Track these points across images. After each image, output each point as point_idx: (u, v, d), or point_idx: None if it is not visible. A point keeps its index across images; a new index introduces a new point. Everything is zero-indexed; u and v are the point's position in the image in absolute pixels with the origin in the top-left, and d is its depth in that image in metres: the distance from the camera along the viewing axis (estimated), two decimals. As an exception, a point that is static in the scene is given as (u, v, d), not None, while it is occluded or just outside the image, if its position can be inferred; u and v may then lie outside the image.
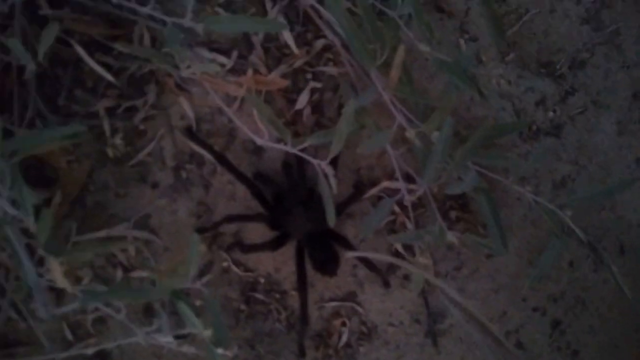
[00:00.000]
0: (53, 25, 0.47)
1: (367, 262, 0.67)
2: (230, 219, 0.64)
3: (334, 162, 0.58)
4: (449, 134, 0.58)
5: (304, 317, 0.65)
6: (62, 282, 0.46)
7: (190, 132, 0.64)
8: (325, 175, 0.56)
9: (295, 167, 0.65)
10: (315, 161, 0.56)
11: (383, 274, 0.69)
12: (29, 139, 0.44)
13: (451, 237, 0.62)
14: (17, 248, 0.40)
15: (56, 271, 0.46)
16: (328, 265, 0.66)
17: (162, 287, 0.45)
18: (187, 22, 0.49)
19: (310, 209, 0.65)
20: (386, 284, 0.70)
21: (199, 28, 0.48)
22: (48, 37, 0.47)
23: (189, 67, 0.51)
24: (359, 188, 0.69)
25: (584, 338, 0.75)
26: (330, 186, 0.56)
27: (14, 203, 0.41)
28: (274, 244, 0.65)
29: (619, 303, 0.75)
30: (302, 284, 0.64)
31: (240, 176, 0.64)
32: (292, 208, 0.65)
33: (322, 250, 0.65)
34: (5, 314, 0.56)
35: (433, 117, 0.57)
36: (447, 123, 0.57)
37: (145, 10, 0.49)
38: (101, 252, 0.60)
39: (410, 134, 0.57)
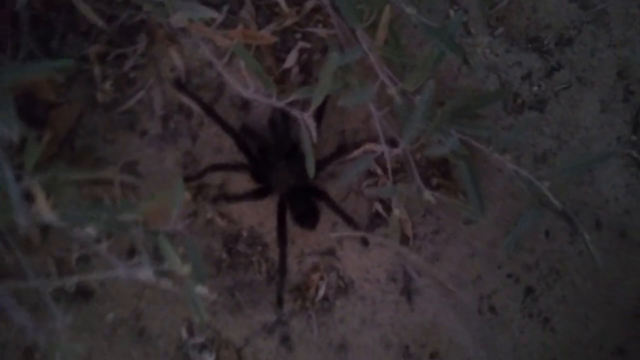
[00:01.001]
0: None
1: (347, 219, 0.69)
2: (214, 167, 0.66)
3: (318, 118, 0.60)
4: (430, 94, 0.60)
5: (283, 269, 0.67)
6: (45, 209, 0.48)
7: (179, 84, 0.66)
8: (307, 127, 0.57)
9: (280, 122, 0.67)
10: (298, 113, 0.58)
11: (361, 231, 0.71)
12: (19, 68, 0.46)
13: (428, 195, 0.64)
14: (5, 170, 0.42)
15: (40, 199, 0.48)
16: (308, 218, 0.68)
17: (145, 226, 0.47)
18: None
19: (293, 164, 0.67)
20: (364, 242, 0.72)
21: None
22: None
23: (175, 15, 0.52)
24: (342, 148, 0.70)
25: (556, 307, 0.77)
26: (312, 138, 0.58)
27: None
28: (257, 195, 0.67)
29: (592, 275, 0.77)
30: (282, 236, 0.66)
31: (226, 128, 0.66)
32: (275, 162, 0.67)
33: (302, 204, 0.67)
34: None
35: (413, 74, 0.58)
36: (428, 84, 0.59)
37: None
38: (87, 193, 0.61)
39: (392, 91, 0.58)
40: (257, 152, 0.68)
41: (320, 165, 0.66)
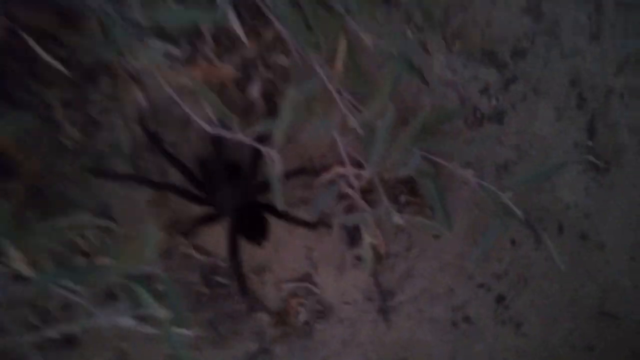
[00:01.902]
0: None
1: (303, 224, 0.71)
2: (161, 186, 0.67)
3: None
4: (391, 119, 0.62)
5: (242, 286, 0.69)
6: (19, 266, 0.48)
7: (141, 120, 0.66)
8: (273, 162, 0.59)
9: (221, 144, 0.68)
10: (263, 148, 0.59)
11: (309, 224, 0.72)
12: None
13: (397, 219, 0.66)
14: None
15: (13, 256, 0.48)
16: (256, 232, 0.69)
17: (119, 270, 0.47)
18: (135, 14, 0.51)
19: (237, 183, 0.68)
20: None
21: (147, 20, 0.50)
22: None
23: (137, 58, 0.53)
24: (301, 169, 0.72)
25: (527, 312, 0.80)
26: (278, 173, 0.59)
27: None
28: (209, 219, 0.68)
29: (558, 278, 0.80)
30: (233, 254, 0.67)
31: (172, 159, 0.66)
32: (220, 183, 0.68)
33: (248, 219, 0.68)
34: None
35: (373, 103, 0.60)
36: (388, 109, 0.61)
37: (95, 2, 0.51)
38: (62, 240, 0.61)
39: (353, 121, 0.60)
40: (202, 176, 0.68)
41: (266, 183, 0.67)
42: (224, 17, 0.55)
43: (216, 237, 0.72)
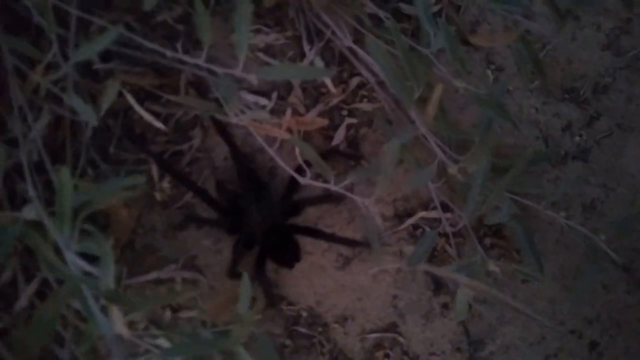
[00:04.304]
0: (114, 82, 0.49)
1: (344, 242, 0.69)
2: (190, 218, 0.66)
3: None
4: (487, 168, 0.60)
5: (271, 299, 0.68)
6: (125, 331, 0.47)
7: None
8: (370, 215, 0.57)
9: (247, 172, 0.66)
10: (360, 199, 0.58)
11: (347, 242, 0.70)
12: (92, 193, 0.45)
13: (493, 266, 0.63)
14: (91, 304, 0.42)
15: (119, 320, 0.47)
16: (286, 256, 0.67)
17: (231, 337, 0.46)
18: (238, 72, 0.50)
19: (264, 206, 0.66)
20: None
21: (251, 78, 0.50)
22: (110, 94, 0.48)
23: (237, 115, 0.53)
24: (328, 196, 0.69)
25: (622, 359, 0.76)
26: (376, 224, 0.57)
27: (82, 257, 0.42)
28: (240, 246, 0.66)
29: (654, 323, 0.76)
30: (262, 278, 0.66)
31: (196, 190, 0.65)
32: (247, 209, 0.66)
33: (278, 243, 0.66)
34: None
35: (474, 154, 0.58)
36: (485, 158, 0.59)
37: (198, 61, 0.51)
38: (153, 295, 0.61)
39: (453, 169, 0.58)
40: (228, 205, 0.66)
41: (302, 204, 0.67)
42: (322, 72, 0.55)
43: (299, 287, 0.71)
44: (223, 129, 0.63)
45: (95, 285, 0.40)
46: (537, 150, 0.75)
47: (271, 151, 0.64)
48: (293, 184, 0.66)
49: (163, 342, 0.51)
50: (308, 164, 0.58)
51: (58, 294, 0.41)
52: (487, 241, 0.75)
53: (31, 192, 0.44)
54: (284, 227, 0.67)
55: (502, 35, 0.59)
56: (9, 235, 0.41)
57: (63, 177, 0.40)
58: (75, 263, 0.42)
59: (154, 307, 0.54)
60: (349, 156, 0.70)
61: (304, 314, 0.71)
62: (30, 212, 0.42)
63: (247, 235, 0.66)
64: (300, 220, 0.69)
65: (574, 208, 0.77)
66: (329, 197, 0.69)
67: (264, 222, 0.66)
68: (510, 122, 0.66)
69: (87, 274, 0.44)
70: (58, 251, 0.43)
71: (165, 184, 0.63)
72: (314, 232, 0.68)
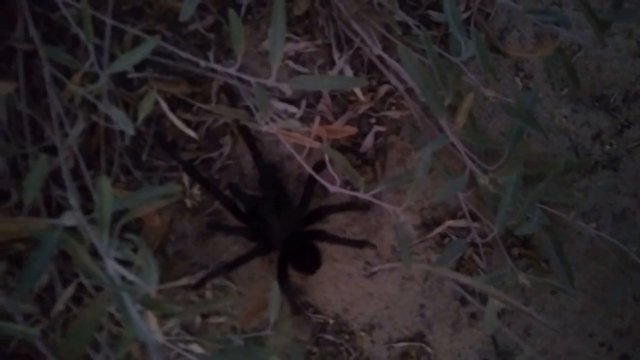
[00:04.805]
0: (151, 93, 0.50)
1: (358, 244, 0.69)
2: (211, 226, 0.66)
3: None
4: (520, 177, 0.60)
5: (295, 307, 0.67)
6: (161, 337, 0.48)
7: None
8: (399, 223, 0.57)
9: (268, 177, 0.66)
10: (390, 207, 0.58)
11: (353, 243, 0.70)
12: (129, 201, 0.46)
13: (523, 279, 0.63)
14: (131, 311, 0.42)
15: (154, 325, 0.48)
16: (308, 261, 0.67)
17: (271, 345, 0.46)
18: (271, 82, 0.51)
19: (284, 213, 0.66)
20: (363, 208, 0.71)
21: (284, 88, 0.50)
22: (147, 104, 0.49)
23: (267, 123, 0.53)
24: (352, 203, 0.70)
25: (653, 373, 0.74)
26: (407, 231, 0.57)
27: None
28: (256, 253, 0.66)
29: (686, 336, 0.75)
30: (284, 285, 0.65)
31: (218, 195, 0.65)
32: (267, 216, 0.66)
33: (298, 249, 0.66)
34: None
35: (504, 165, 0.58)
36: (517, 170, 0.59)
37: (230, 71, 0.51)
38: (183, 300, 0.61)
39: (485, 180, 0.58)
40: (248, 211, 0.66)
41: (321, 212, 0.67)
42: (355, 82, 0.55)
43: (326, 294, 0.71)
44: (248, 135, 0.64)
45: (136, 293, 0.40)
46: (568, 159, 0.74)
47: (300, 159, 0.64)
48: (310, 188, 0.66)
49: (195, 348, 0.52)
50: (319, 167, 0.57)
51: (98, 301, 0.41)
52: (515, 251, 0.74)
53: (72, 201, 0.44)
54: (304, 234, 0.67)
55: (538, 47, 0.58)
56: (50, 242, 0.42)
57: (103, 186, 0.40)
58: (115, 270, 0.43)
59: (192, 315, 0.55)
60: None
61: (331, 321, 0.71)
62: (69, 219, 0.43)
63: (267, 242, 0.66)
64: (327, 228, 0.69)
65: (604, 218, 0.76)
66: (352, 205, 0.69)
67: (284, 228, 0.66)
68: (540, 132, 0.66)
69: (123, 278, 0.45)
70: (94, 255, 0.44)
71: (196, 190, 0.64)
72: (328, 236, 0.68)
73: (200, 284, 0.64)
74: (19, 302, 0.42)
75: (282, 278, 0.66)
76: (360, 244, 0.69)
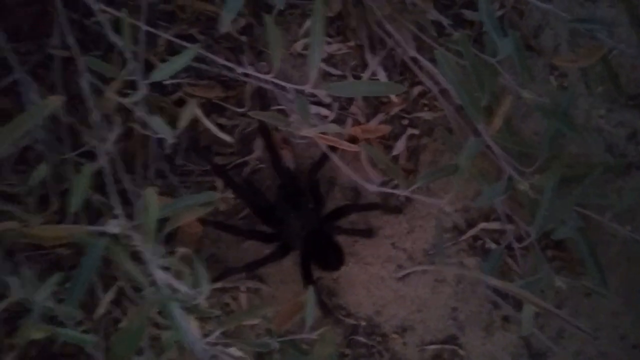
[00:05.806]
0: (191, 103, 0.50)
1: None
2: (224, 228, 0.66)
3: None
4: (557, 180, 0.59)
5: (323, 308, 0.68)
6: (203, 341, 0.48)
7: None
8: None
9: (288, 176, 0.66)
10: (435, 201, 0.57)
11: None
12: (170, 209, 0.46)
13: (559, 282, 0.62)
14: (177, 316, 0.43)
15: (197, 330, 0.48)
16: (330, 258, 0.67)
17: (316, 355, 0.46)
18: (309, 88, 0.50)
19: (302, 213, 0.66)
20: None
21: (321, 94, 0.50)
22: (187, 114, 0.49)
23: (293, 123, 0.53)
24: (374, 204, 0.70)
25: (688, 376, 0.73)
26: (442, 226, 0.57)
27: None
28: (278, 255, 0.65)
29: None
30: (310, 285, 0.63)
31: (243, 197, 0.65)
32: (285, 217, 0.66)
33: (320, 247, 0.66)
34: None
35: (543, 169, 0.57)
36: (556, 175, 0.58)
37: (266, 77, 0.51)
38: (217, 303, 0.62)
39: (525, 186, 0.57)
40: (267, 213, 0.66)
41: (348, 210, 0.67)
42: (394, 88, 0.54)
43: (358, 297, 0.71)
44: (267, 135, 0.63)
45: (186, 303, 0.41)
46: (604, 161, 0.73)
47: (337, 160, 0.64)
48: (315, 172, 0.66)
49: (234, 351, 0.52)
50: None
51: (144, 308, 0.42)
52: (549, 253, 0.74)
53: (117, 210, 0.45)
54: (322, 232, 0.67)
55: (585, 55, 0.57)
56: (97, 249, 0.42)
57: (150, 196, 0.41)
58: (162, 277, 0.43)
59: (238, 322, 0.55)
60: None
61: (363, 323, 0.71)
62: (115, 227, 0.43)
63: (285, 243, 0.66)
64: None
65: (638, 219, 0.75)
66: (376, 205, 0.69)
67: (303, 228, 0.66)
68: (577, 133, 0.65)
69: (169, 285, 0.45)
70: (135, 260, 0.44)
71: (229, 194, 0.64)
72: (350, 231, 0.68)
73: (219, 278, 0.64)
74: (73, 309, 0.42)
75: (307, 278, 0.66)
76: (368, 234, 0.69)
